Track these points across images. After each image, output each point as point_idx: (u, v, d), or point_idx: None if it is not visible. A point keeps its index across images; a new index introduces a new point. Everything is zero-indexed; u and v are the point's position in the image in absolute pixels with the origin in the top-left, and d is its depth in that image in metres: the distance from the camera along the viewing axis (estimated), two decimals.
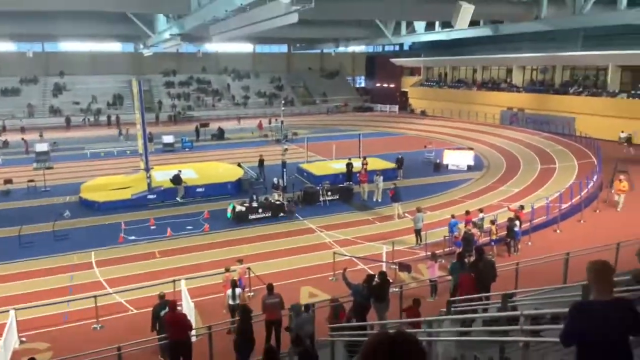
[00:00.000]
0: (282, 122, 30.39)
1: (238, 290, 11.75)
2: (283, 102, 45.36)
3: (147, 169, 22.54)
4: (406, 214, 19.51)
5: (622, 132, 33.35)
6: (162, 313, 10.21)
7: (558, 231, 17.39)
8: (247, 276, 13.49)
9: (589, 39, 38.44)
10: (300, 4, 13.30)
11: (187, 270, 14.89)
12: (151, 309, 10.64)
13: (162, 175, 24.65)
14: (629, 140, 31.51)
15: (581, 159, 28.19)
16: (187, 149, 35.84)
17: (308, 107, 58.96)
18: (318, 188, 22.46)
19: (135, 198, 22.30)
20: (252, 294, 13.32)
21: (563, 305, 7.25)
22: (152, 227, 19.09)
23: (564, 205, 19.02)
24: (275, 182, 22.06)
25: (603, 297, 3.29)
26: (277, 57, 64.23)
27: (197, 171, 25.73)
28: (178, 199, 22.80)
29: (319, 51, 60.15)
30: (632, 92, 34.97)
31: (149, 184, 22.56)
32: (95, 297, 12.05)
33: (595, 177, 22.65)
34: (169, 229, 18.53)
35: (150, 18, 29.75)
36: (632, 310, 3.31)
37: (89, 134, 42.80)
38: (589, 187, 21.28)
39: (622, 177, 19.72)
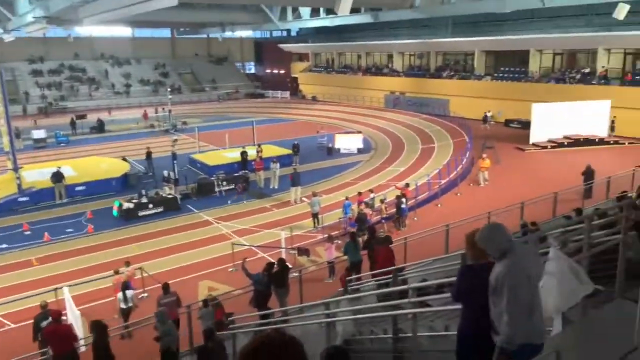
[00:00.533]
0: (169, 111, 29.15)
1: (130, 292, 11.12)
2: (169, 89, 43.34)
3: (16, 169, 20.22)
4: (303, 199, 19.84)
5: (488, 111, 37.09)
6: (44, 324, 9.42)
7: (439, 205, 18.90)
8: (137, 277, 12.79)
9: (457, 27, 41.96)
10: None
11: (71, 276, 13.70)
12: (32, 321, 9.72)
13: (34, 175, 22.30)
14: (484, 119, 35.14)
15: (456, 138, 30.88)
16: (62, 144, 32.69)
17: (198, 94, 56.96)
18: (212, 178, 21.92)
19: (3, 202, 19.90)
20: (146, 295, 12.69)
21: (446, 274, 7.98)
22: (27, 233, 17.22)
23: (443, 181, 20.74)
24: (166, 174, 21.08)
25: (480, 261, 3.70)
26: (159, 42, 60.85)
27: (75, 168, 23.62)
28: (64, 199, 20.83)
29: (205, 36, 58.09)
30: (495, 74, 38.91)
31: (18, 185, 20.26)
32: None
33: (467, 153, 25.02)
34: (46, 234, 16.85)
35: None
36: None
37: None
38: (463, 162, 23.48)
39: (484, 155, 21.64)
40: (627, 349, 3.69)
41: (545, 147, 27.69)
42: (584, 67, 33.99)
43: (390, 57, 49.96)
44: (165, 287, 10.02)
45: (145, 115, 40.10)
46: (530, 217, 12.77)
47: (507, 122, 35.36)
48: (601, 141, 27.69)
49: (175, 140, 22.22)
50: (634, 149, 26.06)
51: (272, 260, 11.87)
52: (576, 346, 4.08)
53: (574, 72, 33.91)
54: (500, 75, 38.25)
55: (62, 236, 16.99)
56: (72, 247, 16.07)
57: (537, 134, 28.24)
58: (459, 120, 35.81)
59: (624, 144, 27.45)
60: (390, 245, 11.15)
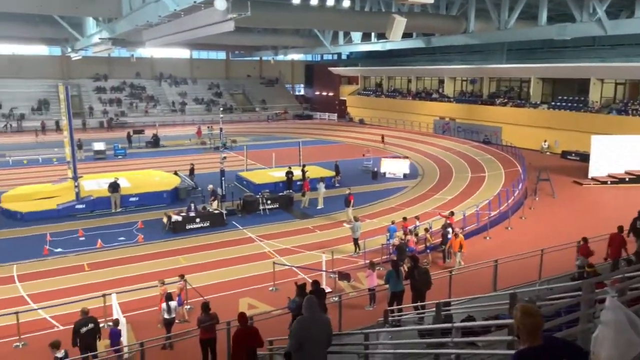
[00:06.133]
0: (221, 129, 29.98)
1: (173, 304, 11.37)
2: (222, 109, 44.69)
3: (75, 178, 21.35)
4: (344, 224, 19.67)
5: (545, 141, 35.81)
6: (84, 330, 9.80)
7: (488, 238, 18.21)
8: (186, 288, 13.05)
9: (512, 53, 41.12)
10: (237, 12, 13.16)
11: (119, 283, 14.19)
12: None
13: (91, 184, 23.46)
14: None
15: (508, 168, 29.85)
16: (119, 157, 34.31)
17: (248, 114, 58.48)
18: (258, 196, 22.26)
19: (61, 208, 21.02)
20: (189, 307, 12.91)
21: (493, 313, 7.65)
22: (81, 239, 18.08)
23: (493, 213, 20.00)
24: (209, 189, 21.57)
25: (534, 343, 3.18)
26: (215, 63, 63.23)
27: (130, 180, 24.66)
28: (118, 209, 21.78)
29: (257, 58, 59.96)
30: (552, 103, 37.64)
31: (77, 194, 21.36)
32: (17, 313, 11.20)
33: (520, 185, 24.03)
34: (99, 240, 17.62)
35: (79, 20, 28.28)
36: (566, 347, 3.37)
37: (10, 141, 39.99)
38: (515, 194, 22.53)
39: (457, 230, 16.13)
40: None
41: (605, 182, 26.26)
42: None
43: (441, 82, 49.50)
44: (205, 307, 10.06)
45: (198, 133, 41.62)
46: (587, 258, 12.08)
47: (564, 154, 34.00)
48: None
49: (225, 157, 22.75)
50: None
51: (308, 281, 11.78)
52: None
53: (637, 104, 32.27)
54: (558, 104, 36.97)
55: (114, 244, 17.69)
56: (123, 255, 16.69)
57: (596, 168, 26.89)
58: (511, 149, 34.74)
59: None
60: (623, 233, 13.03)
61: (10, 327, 11.27)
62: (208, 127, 42.60)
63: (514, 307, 3.28)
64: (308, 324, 5.79)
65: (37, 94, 49.80)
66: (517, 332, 3.20)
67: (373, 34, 33.40)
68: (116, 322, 10.73)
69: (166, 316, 11.25)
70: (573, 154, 33.01)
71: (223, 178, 22.33)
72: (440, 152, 36.09)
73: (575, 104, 35.74)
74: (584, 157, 29.29)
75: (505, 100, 41.21)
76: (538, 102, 38.88)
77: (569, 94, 37.55)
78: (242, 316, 8.21)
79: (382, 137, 39.96)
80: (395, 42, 26.82)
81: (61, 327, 11.86)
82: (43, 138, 40.32)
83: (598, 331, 3.93)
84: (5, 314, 11.65)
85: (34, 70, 51.23)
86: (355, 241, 16.82)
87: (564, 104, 36.54)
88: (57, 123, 40.83)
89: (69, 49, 37.60)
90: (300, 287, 10.40)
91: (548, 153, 35.31)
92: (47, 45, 46.36)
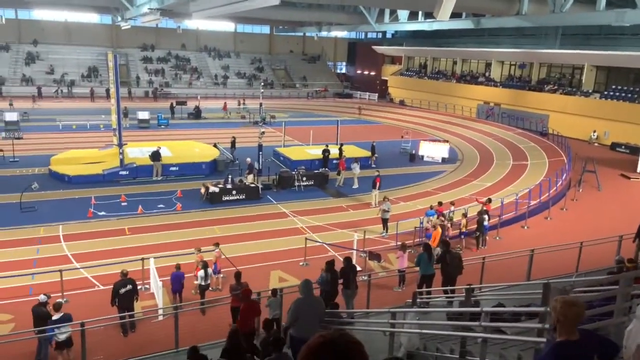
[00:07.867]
0: (260, 104, 30.22)
1: (209, 271, 11.76)
2: (262, 84, 44.92)
3: (120, 145, 22.10)
4: (381, 206, 19.48)
5: (594, 131, 34.29)
6: (122, 291, 10.32)
7: (525, 227, 17.79)
8: (222, 257, 13.42)
9: (566, 38, 39.15)
10: None
11: (157, 248, 14.75)
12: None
13: (135, 152, 24.21)
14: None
15: (552, 157, 28.81)
16: (162, 127, 35.19)
17: (288, 90, 58.51)
18: (293, 173, 22.43)
19: (106, 173, 21.87)
20: (223, 275, 13.31)
21: (524, 302, 7.53)
22: (123, 204, 18.80)
23: (533, 202, 19.44)
24: (249, 162, 21.86)
25: (571, 337, 3.07)
26: (258, 37, 63.29)
27: (171, 149, 25.32)
28: (158, 177, 22.46)
29: (301, 34, 59.54)
30: (605, 92, 35.83)
31: (121, 160, 22.14)
32: (60, 271, 11.84)
33: (564, 175, 23.19)
34: (140, 206, 18.28)
35: None
36: (601, 342, 3.33)
37: (61, 106, 41.65)
38: (558, 185, 21.78)
39: (438, 221, 15.32)
40: None
41: None
42: None
43: (488, 65, 47.88)
44: (237, 276, 10.35)
45: (224, 107, 41.83)
46: (629, 254, 11.62)
47: (614, 146, 32.49)
48: None
49: (263, 132, 22.99)
50: None
51: (339, 259, 11.88)
52: None
53: None
54: (611, 93, 35.16)
55: (154, 210, 18.33)
56: (161, 222, 17.29)
57: None
58: (557, 138, 33.45)
59: None
60: None
61: (55, 284, 11.92)
62: (243, 100, 43.00)
63: (553, 299, 3.17)
64: (303, 304, 7.15)
65: (87, 61, 51.41)
66: (556, 324, 3.08)
67: (420, 13, 32.55)
68: (178, 266, 11.24)
69: (202, 283, 11.65)
70: (623, 146, 31.50)
71: (260, 153, 22.58)
72: (482, 138, 35.18)
73: (629, 94, 33.89)
74: (635, 150, 27.94)
75: (555, 87, 39.49)
76: (590, 91, 37.08)
77: (623, 84, 35.62)
78: (246, 292, 9.02)
79: (359, 108, 45.63)
80: (443, 22, 26.07)
81: (101, 287, 12.46)
82: (39, 105, 41.36)
83: (632, 325, 3.84)
84: (51, 271, 12.34)
85: (84, 38, 52.80)
86: (385, 222, 16.75)
87: (617, 93, 34.70)
88: (107, 91, 42.19)
89: (119, 18, 38.46)
90: (329, 264, 10.53)
91: (596, 144, 33.85)
92: (98, 13, 47.54)
